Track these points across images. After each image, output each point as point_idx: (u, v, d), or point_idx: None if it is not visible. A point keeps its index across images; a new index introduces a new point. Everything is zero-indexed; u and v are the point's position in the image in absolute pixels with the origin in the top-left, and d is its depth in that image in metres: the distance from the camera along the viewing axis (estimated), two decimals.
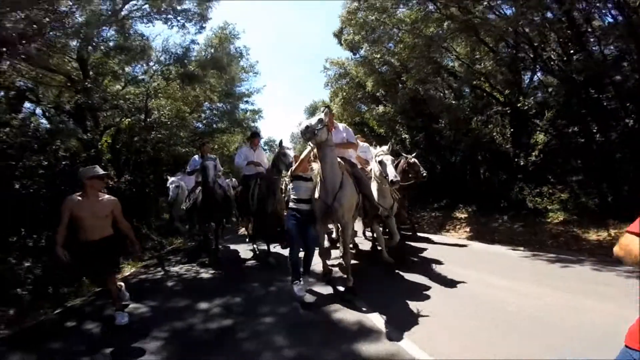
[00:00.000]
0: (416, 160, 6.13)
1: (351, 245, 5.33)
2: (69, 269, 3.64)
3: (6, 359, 2.78)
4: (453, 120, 8.42)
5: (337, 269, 4.75)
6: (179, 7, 9.99)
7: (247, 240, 7.06)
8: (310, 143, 3.62)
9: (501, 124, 8.75)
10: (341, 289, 3.85)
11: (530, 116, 8.01)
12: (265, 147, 17.91)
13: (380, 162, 4.40)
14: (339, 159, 3.75)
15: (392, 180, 4.23)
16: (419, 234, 6.99)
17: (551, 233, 6.15)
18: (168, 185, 7.42)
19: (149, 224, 9.95)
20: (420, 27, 7.07)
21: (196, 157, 6.50)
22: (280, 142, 5.01)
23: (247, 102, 13.40)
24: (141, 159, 10.54)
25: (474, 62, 8.20)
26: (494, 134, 9.15)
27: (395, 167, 5.65)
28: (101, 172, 3.31)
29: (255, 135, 6.28)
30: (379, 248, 4.98)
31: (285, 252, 4.74)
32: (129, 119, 9.16)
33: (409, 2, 7.18)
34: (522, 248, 5.63)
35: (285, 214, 4.15)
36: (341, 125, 4.51)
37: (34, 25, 5.07)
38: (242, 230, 8.09)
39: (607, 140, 6.60)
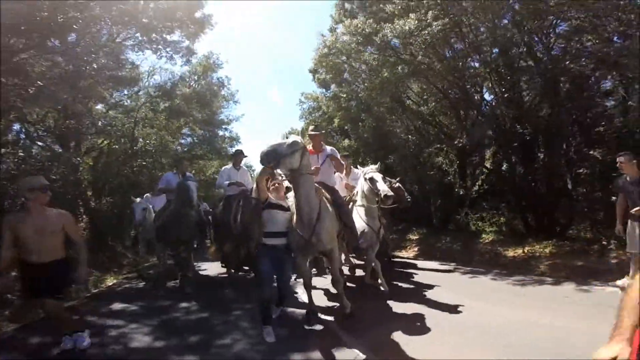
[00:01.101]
0: (400, 185, 6.05)
1: (346, 269, 5.33)
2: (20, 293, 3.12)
3: None
4: (403, 154, 9.62)
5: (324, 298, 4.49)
6: (168, 38, 11.06)
7: (222, 264, 6.61)
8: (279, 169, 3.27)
9: (448, 157, 10.07)
10: (330, 319, 3.71)
11: (471, 151, 9.38)
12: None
13: (371, 179, 4.24)
14: (316, 185, 3.49)
15: (386, 195, 4.03)
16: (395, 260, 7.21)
17: (479, 251, 7.29)
18: (133, 206, 6.93)
19: (124, 243, 10.40)
20: (378, 70, 7.78)
21: (170, 174, 6.18)
22: (240, 152, 5.43)
23: (225, 129, 14.31)
24: (120, 181, 11.11)
25: (425, 101, 9.55)
26: (443, 165, 10.50)
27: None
28: (44, 182, 2.95)
29: (238, 153, 5.96)
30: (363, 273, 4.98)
31: None
32: (115, 145, 9.81)
33: (367, 50, 7.97)
34: (454, 263, 6.70)
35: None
36: (329, 148, 4.31)
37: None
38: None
39: (527, 170, 7.96)
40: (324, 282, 4.86)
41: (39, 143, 8.82)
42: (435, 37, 5.34)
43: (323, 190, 3.64)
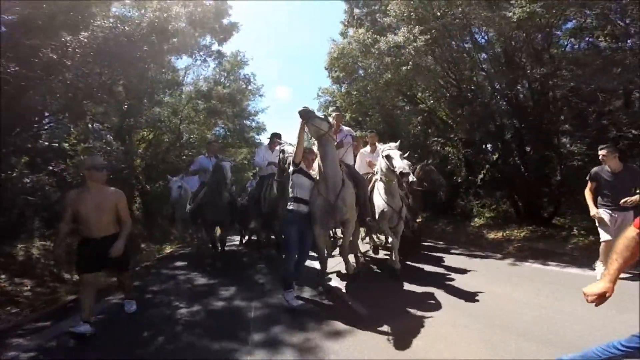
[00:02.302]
0: (432, 167, 5.96)
1: (361, 255, 5.37)
2: (75, 266, 3.21)
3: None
4: (410, 143, 10.56)
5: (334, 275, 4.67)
6: (202, 43, 12.63)
7: (241, 245, 8.35)
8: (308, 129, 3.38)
9: (452, 147, 10.86)
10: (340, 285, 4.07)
11: (470, 143, 10.10)
12: None
13: (387, 157, 4.06)
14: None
15: (401, 172, 3.88)
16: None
17: (467, 233, 8.28)
18: (170, 185, 7.11)
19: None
20: (382, 72, 8.46)
21: (202, 157, 6.44)
22: (279, 135, 5.32)
23: (252, 120, 15.88)
24: (165, 168, 13.10)
25: (428, 97, 10.35)
26: (450, 155, 11.28)
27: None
28: (102, 162, 3.25)
29: (275, 136, 5.98)
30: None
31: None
32: (162, 137, 11.70)
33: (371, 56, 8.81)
34: (441, 242, 7.76)
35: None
36: (346, 129, 4.54)
37: None
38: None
39: (518, 162, 8.66)
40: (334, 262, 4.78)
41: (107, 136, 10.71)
42: (419, 50, 6.23)
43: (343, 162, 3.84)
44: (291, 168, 3.57)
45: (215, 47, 12.68)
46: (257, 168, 6.08)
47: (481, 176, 10.48)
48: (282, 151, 4.47)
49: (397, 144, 4.24)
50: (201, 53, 12.58)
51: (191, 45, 11.82)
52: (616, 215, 4.02)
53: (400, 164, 3.91)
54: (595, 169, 4.28)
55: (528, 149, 8.54)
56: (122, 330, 3.22)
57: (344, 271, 4.39)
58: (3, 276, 4.51)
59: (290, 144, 4.43)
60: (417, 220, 6.10)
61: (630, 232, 1.42)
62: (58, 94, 4.95)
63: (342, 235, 4.48)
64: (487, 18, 6.08)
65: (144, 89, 8.29)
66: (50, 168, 6.39)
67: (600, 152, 4.21)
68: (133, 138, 11.89)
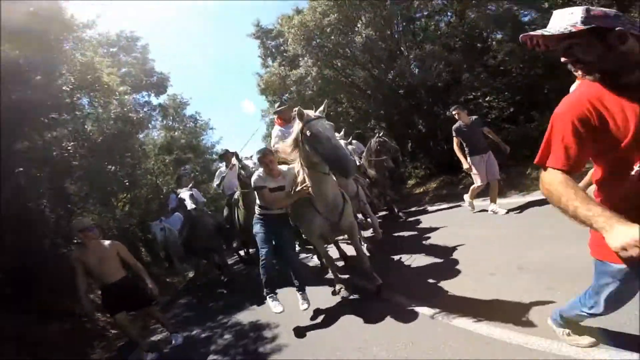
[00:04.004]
0: (386, 138, 6.34)
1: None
2: (105, 309, 3.63)
3: None
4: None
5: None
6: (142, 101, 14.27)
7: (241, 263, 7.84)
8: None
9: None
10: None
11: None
12: None
13: None
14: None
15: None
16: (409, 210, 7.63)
17: (401, 194, 10.55)
18: (152, 230, 7.20)
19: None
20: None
21: (172, 194, 6.51)
22: (235, 154, 4.65)
23: (211, 153, 17.69)
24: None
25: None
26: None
27: (368, 149, 6.35)
28: (89, 223, 3.61)
29: (225, 154, 5.97)
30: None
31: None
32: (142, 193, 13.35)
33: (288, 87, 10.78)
34: None
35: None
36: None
37: None
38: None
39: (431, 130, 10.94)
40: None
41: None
42: (315, 79, 8.35)
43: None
44: (253, 179, 3.22)
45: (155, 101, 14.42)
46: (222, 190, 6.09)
47: (410, 144, 12.83)
48: (242, 167, 4.28)
49: (342, 133, 4.45)
50: (145, 110, 14.25)
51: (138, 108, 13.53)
52: (483, 156, 4.89)
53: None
54: (454, 126, 5.00)
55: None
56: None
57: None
58: None
59: (247, 157, 4.39)
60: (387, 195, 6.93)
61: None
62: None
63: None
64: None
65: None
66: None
67: (453, 112, 5.05)
68: (113, 202, 13.50)
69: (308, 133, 2.67)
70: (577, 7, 1.15)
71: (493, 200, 4.96)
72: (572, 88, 3.06)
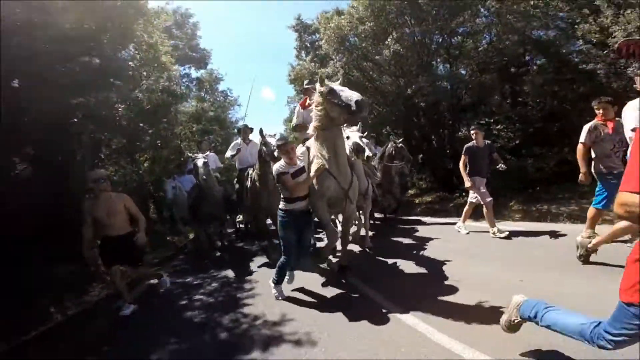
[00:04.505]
0: (402, 145, 6.58)
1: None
2: (101, 263, 3.70)
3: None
4: None
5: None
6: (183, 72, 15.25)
7: (235, 236, 7.94)
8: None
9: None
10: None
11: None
12: None
13: (347, 138, 4.08)
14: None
15: (367, 156, 4.19)
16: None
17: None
18: (165, 187, 7.64)
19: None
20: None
21: (190, 158, 6.60)
22: (260, 130, 4.63)
23: (234, 127, 18.63)
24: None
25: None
26: None
27: (384, 152, 6.52)
28: (102, 174, 3.76)
29: (243, 128, 6.03)
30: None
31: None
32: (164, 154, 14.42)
33: None
34: None
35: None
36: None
37: None
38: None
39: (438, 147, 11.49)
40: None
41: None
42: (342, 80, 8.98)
43: None
44: (275, 168, 3.34)
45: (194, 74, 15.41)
46: (236, 162, 6.08)
47: (421, 155, 13.38)
48: (264, 143, 4.39)
49: (359, 126, 4.55)
50: (184, 80, 15.23)
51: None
52: (482, 179, 5.14)
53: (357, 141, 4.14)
54: (467, 144, 5.20)
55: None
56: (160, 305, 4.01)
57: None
58: None
59: (270, 135, 4.48)
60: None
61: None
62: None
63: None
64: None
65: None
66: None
67: (472, 130, 5.28)
68: (139, 158, 14.68)
69: (326, 90, 3.09)
70: None
71: (491, 224, 5.05)
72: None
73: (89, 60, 5.60)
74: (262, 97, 51.45)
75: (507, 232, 4.86)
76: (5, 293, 3.78)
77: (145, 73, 7.27)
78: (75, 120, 6.21)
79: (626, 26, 5.57)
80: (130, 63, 6.54)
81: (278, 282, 3.51)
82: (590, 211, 3.66)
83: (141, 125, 7.91)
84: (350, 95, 2.89)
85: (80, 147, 6.87)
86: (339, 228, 4.70)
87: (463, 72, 10.03)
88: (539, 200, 6.85)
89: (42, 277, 4.52)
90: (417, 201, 10.57)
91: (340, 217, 4.72)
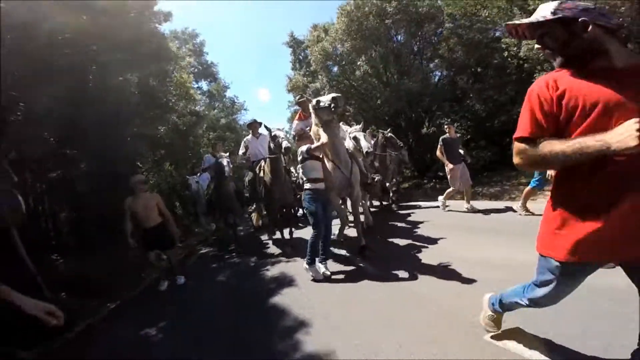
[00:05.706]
0: (392, 135, 7.02)
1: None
2: (140, 250, 4.45)
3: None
4: None
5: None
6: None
7: (252, 229, 8.06)
8: (316, 118, 3.90)
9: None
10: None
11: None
12: None
13: (354, 138, 4.67)
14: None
15: (366, 152, 4.55)
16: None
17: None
18: (189, 182, 8.35)
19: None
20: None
21: (208, 156, 7.47)
22: (267, 127, 5.03)
23: (243, 130, 20.86)
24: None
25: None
26: None
27: (376, 143, 6.87)
28: (143, 178, 4.66)
29: (253, 123, 6.37)
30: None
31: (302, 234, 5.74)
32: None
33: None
34: None
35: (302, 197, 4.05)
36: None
37: None
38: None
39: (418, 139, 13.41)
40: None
41: None
42: (330, 90, 11.09)
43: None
44: (301, 151, 3.82)
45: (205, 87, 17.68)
46: (249, 157, 6.37)
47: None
48: (274, 137, 4.69)
49: (361, 125, 4.95)
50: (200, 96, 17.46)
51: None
52: (458, 165, 6.02)
53: (365, 145, 4.58)
54: (443, 136, 6.18)
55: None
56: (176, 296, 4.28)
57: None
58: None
59: (279, 129, 4.84)
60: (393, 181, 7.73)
61: None
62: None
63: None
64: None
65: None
66: None
67: (445, 125, 6.63)
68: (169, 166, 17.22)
69: (314, 102, 3.83)
70: (554, 2, 1.26)
71: (468, 201, 6.05)
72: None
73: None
74: (258, 98, 50.78)
75: (477, 209, 5.97)
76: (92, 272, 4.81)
77: (180, 103, 9.69)
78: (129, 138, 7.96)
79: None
80: (169, 96, 8.96)
81: (312, 261, 3.75)
82: (527, 190, 4.97)
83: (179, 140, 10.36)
84: (328, 98, 3.69)
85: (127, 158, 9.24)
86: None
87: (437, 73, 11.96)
88: (486, 185, 8.85)
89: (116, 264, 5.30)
90: (404, 187, 12.58)
91: (349, 203, 5.15)
